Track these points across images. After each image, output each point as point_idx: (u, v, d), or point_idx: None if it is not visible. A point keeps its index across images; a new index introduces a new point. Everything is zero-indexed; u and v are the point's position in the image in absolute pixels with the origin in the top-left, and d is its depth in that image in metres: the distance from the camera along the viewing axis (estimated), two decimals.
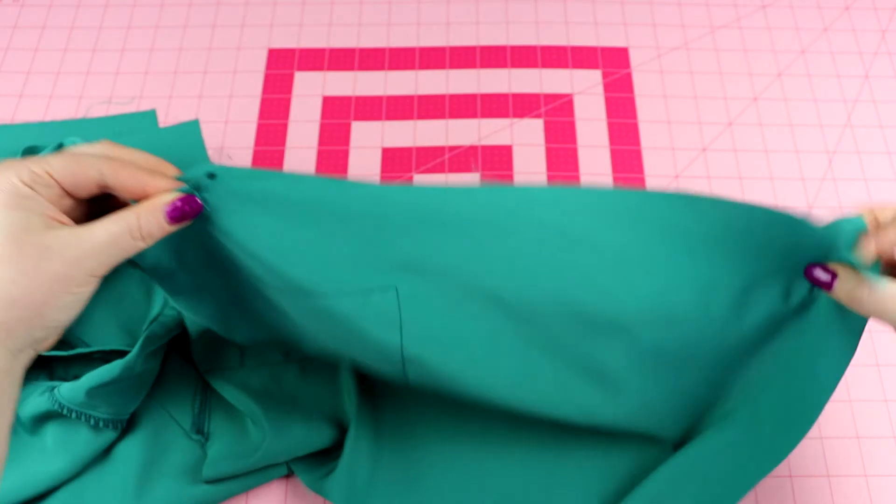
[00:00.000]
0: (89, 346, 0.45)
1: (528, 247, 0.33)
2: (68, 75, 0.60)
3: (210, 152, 0.55)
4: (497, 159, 0.57)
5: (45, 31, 0.62)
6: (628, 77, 0.61)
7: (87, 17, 0.63)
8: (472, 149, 0.57)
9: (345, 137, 0.57)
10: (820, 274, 0.32)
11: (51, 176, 0.29)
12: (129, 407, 0.43)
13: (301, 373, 0.46)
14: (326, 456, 0.44)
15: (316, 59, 0.61)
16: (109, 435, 0.43)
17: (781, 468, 0.46)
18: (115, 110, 0.58)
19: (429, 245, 0.33)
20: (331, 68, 0.61)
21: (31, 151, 0.50)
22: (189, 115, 0.58)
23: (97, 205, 0.32)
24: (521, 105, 0.59)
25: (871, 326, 0.51)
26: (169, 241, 0.32)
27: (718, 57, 0.62)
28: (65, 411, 0.41)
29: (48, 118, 0.57)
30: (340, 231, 0.33)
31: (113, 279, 0.47)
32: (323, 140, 0.57)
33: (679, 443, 0.42)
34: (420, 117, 0.58)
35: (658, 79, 0.60)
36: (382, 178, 0.56)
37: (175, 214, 0.30)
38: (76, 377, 0.43)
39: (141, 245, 0.30)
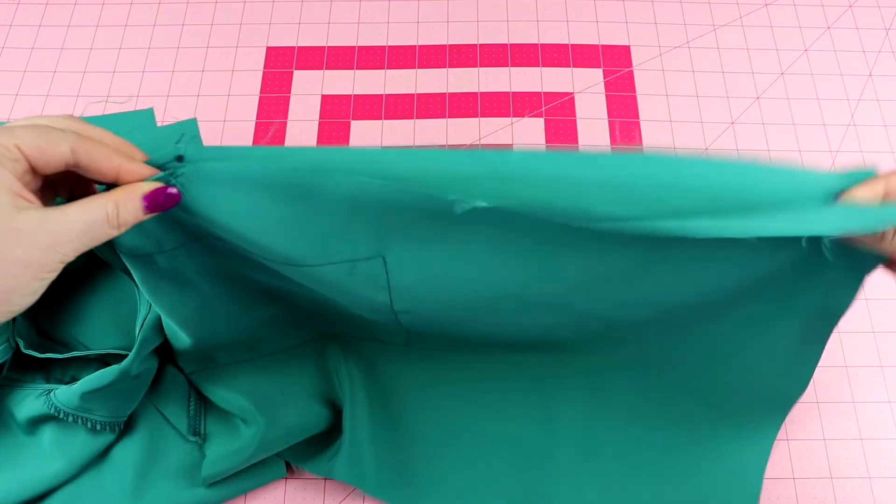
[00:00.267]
0: (87, 347, 0.45)
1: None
2: (65, 74, 0.59)
3: None
4: None
5: (41, 29, 0.61)
6: (630, 76, 0.60)
7: (83, 16, 0.62)
8: (473, 148, 0.57)
9: (344, 136, 0.57)
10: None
11: (19, 149, 0.27)
12: (126, 409, 0.43)
13: (286, 361, 0.46)
14: (327, 441, 0.45)
15: (315, 58, 0.61)
16: (107, 437, 0.43)
17: (784, 469, 0.46)
18: (112, 109, 0.57)
19: (416, 215, 0.32)
20: (330, 67, 0.60)
21: None
22: (187, 113, 0.57)
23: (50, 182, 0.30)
24: (522, 104, 0.59)
25: (873, 327, 0.51)
26: (146, 225, 0.31)
27: (721, 55, 0.61)
28: (61, 415, 0.40)
29: None
30: (322, 206, 0.32)
31: (111, 281, 0.47)
32: (322, 139, 0.57)
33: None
34: (420, 116, 0.58)
35: (660, 77, 0.60)
36: None
37: (153, 203, 0.29)
38: (74, 379, 0.43)
39: (114, 233, 0.29)
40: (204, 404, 0.45)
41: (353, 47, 0.61)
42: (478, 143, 0.57)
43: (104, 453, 0.43)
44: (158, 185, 0.29)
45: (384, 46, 0.61)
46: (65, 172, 0.29)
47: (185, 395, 0.45)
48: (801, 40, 0.62)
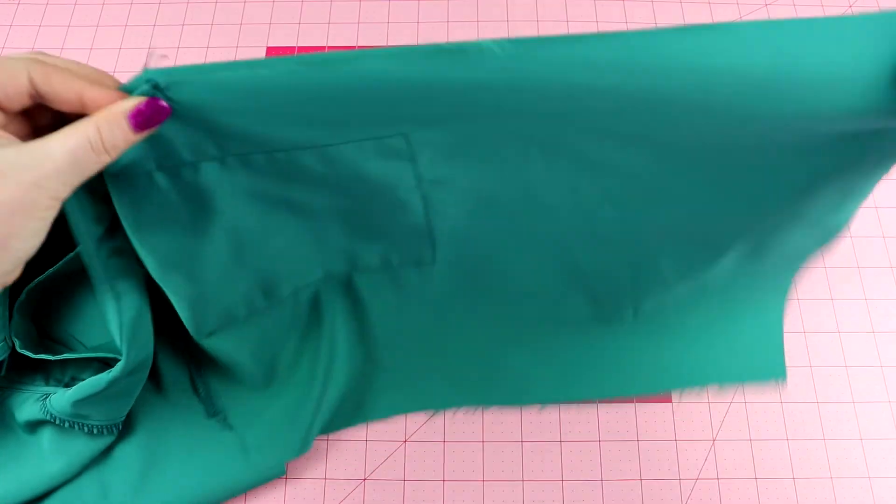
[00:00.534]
0: (85, 345, 0.45)
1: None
2: None
3: None
4: None
5: (41, 29, 0.61)
6: None
7: (83, 16, 0.62)
8: None
9: None
10: None
11: None
12: (122, 410, 0.42)
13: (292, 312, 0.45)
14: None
15: None
16: (107, 438, 0.42)
17: (784, 469, 0.46)
18: None
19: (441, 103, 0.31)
20: None
21: None
22: None
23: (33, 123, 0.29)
24: None
25: (873, 327, 0.51)
26: (142, 148, 0.30)
27: None
28: (57, 421, 0.40)
29: None
30: (329, 102, 0.30)
31: None
32: None
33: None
34: None
35: None
36: None
37: (139, 120, 0.27)
38: (73, 378, 0.43)
39: (106, 159, 0.27)
40: (208, 383, 0.45)
41: (353, 47, 0.61)
42: None
43: (106, 453, 0.43)
44: (141, 99, 0.27)
45: (384, 46, 0.61)
46: (46, 109, 0.28)
47: (189, 381, 0.45)
48: None
